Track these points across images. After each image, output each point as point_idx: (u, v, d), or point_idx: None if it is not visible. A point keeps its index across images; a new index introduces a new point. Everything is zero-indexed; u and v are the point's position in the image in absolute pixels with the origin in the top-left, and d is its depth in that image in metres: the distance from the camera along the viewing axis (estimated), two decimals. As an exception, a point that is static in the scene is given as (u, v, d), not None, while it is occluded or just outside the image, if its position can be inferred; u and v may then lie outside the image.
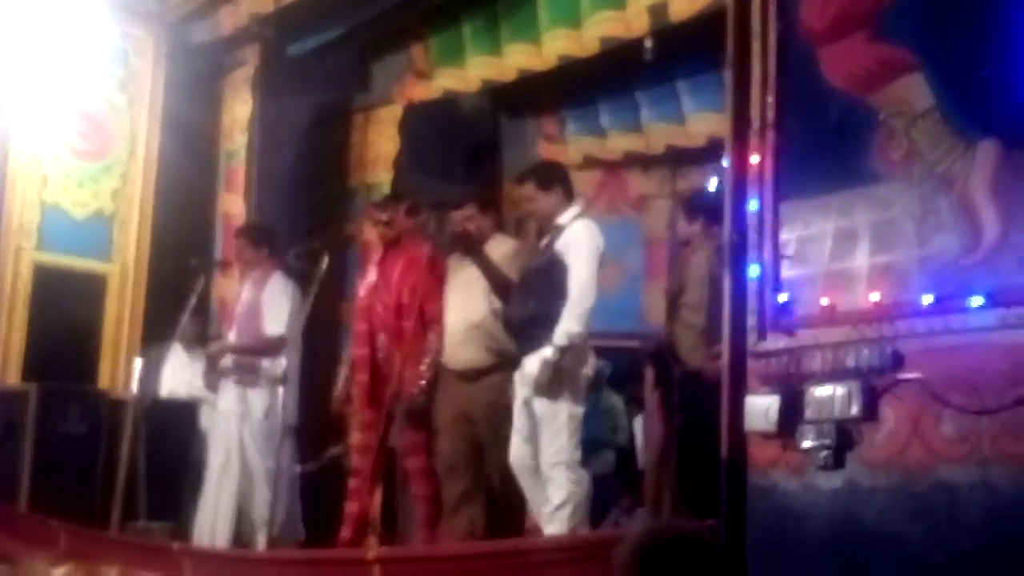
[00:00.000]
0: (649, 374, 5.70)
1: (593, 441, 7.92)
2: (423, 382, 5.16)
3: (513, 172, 7.96)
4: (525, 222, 6.33)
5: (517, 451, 4.59)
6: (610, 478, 7.56)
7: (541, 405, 4.51)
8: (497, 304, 4.96)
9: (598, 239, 4.62)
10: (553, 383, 4.46)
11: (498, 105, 8.27)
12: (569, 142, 8.09)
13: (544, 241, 4.80)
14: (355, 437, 5.55)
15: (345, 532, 5.44)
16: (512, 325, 4.77)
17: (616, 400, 7.74)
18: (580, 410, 4.57)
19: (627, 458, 7.71)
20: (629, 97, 7.68)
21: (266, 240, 6.21)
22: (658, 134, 7.55)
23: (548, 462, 4.48)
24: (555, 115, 8.16)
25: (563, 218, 4.75)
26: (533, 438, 4.56)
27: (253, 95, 7.73)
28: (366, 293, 5.56)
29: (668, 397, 5.18)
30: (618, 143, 7.78)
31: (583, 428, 8.38)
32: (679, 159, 7.81)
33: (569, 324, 4.42)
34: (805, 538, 3.25)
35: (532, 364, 4.51)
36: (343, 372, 5.84)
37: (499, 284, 4.93)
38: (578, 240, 4.58)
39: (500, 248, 5.11)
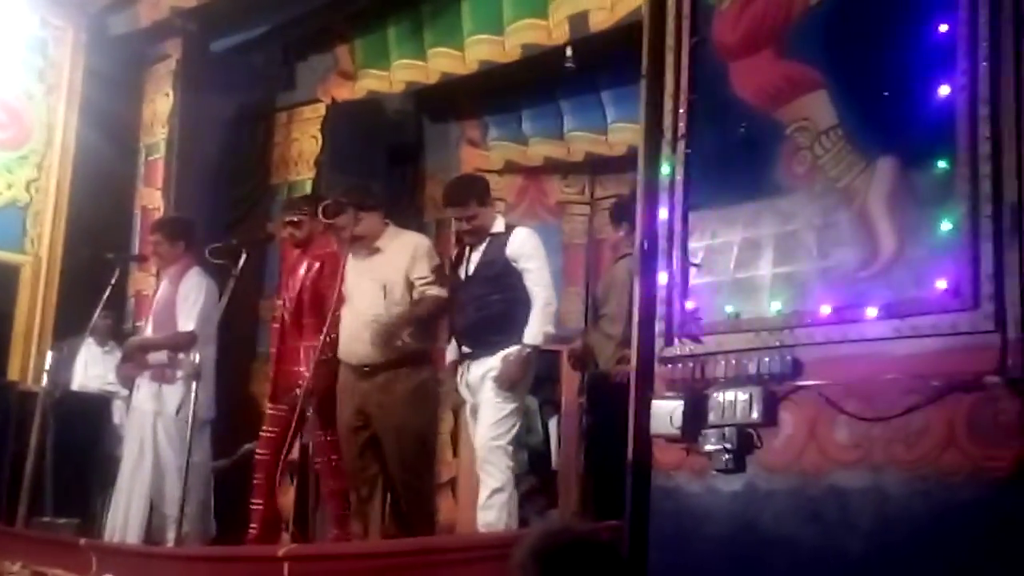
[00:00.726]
0: (574, 378, 5.79)
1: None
2: (301, 382, 5.19)
3: (436, 174, 8.03)
4: (444, 224, 6.38)
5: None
6: (523, 478, 7.63)
7: (489, 394, 4.60)
8: (394, 300, 4.98)
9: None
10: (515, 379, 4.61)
11: (422, 108, 8.31)
12: (491, 147, 8.16)
13: (481, 248, 4.87)
14: (262, 433, 5.55)
15: (253, 529, 5.43)
16: (462, 330, 4.84)
17: (531, 401, 7.82)
18: (521, 407, 4.72)
19: (540, 459, 7.79)
20: (553, 105, 7.78)
21: (182, 234, 6.14)
22: (579, 143, 7.66)
23: (486, 444, 4.54)
24: (478, 120, 8.22)
25: (497, 226, 4.87)
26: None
27: (175, 89, 7.67)
28: (281, 292, 5.60)
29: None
30: (539, 150, 7.89)
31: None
32: (599, 167, 7.93)
33: (543, 324, 4.64)
34: (706, 539, 3.33)
35: (493, 363, 4.63)
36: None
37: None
38: (532, 246, 4.80)
39: (396, 242, 5.12)
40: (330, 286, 5.18)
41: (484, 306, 4.75)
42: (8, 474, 6.44)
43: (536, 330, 4.62)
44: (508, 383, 4.61)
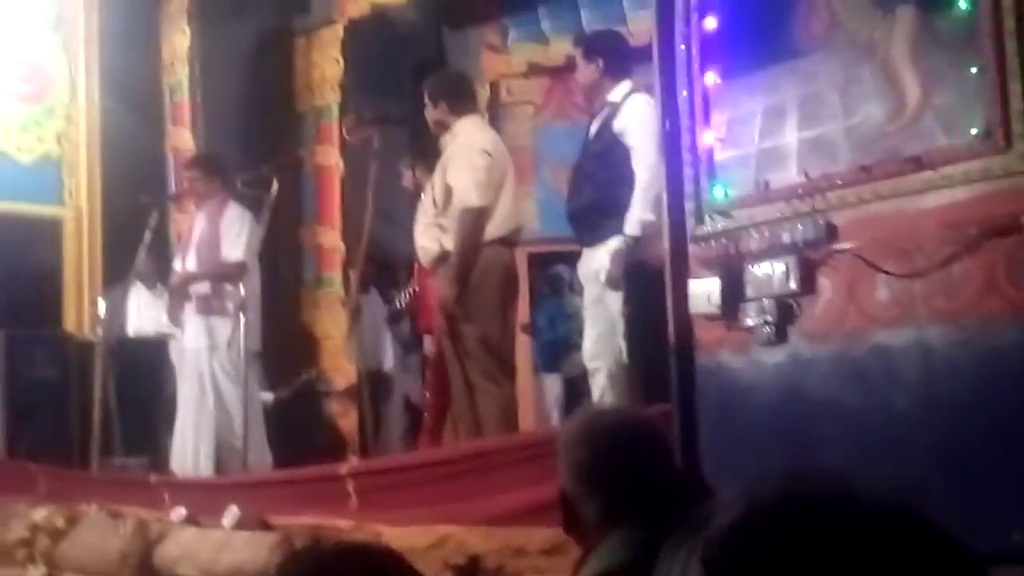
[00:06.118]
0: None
1: (563, 345, 8.03)
2: None
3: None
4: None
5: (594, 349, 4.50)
6: (579, 380, 7.67)
7: (615, 298, 4.29)
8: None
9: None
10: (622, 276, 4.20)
11: (439, 18, 8.20)
12: (512, 51, 8.05)
13: (596, 121, 4.43)
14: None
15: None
16: (571, 215, 4.49)
17: (580, 303, 7.82)
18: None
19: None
20: (570, 1, 7.63)
21: (218, 170, 6.23)
22: (601, 35, 7.49)
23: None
24: (496, 24, 8.09)
25: (615, 94, 4.41)
26: (611, 333, 4.38)
27: (190, 25, 7.63)
28: None
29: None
30: (560, 48, 7.74)
31: (552, 332, 8.45)
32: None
33: (643, 212, 4.12)
34: (753, 411, 3.33)
35: (603, 259, 4.28)
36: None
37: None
38: (640, 119, 4.20)
39: (468, 127, 4.85)
40: None
41: (589, 188, 4.33)
42: (78, 421, 6.60)
43: (634, 218, 4.12)
44: (608, 280, 4.26)
